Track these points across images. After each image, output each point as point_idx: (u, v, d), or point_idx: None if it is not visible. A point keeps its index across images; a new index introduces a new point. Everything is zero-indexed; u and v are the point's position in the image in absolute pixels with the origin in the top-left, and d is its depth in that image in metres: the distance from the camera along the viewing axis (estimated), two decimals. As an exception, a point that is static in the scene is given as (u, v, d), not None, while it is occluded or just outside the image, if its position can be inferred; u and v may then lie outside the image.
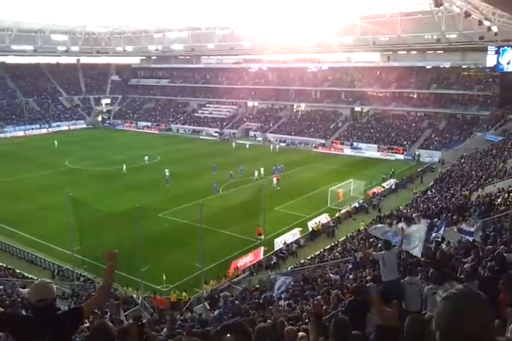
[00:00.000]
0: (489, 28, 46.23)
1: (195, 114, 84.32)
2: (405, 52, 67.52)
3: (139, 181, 43.31)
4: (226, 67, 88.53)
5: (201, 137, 73.96)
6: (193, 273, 23.95)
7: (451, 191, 31.94)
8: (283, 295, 18.54)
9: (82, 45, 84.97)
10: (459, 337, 1.76)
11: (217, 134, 74.32)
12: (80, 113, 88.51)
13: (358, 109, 72.46)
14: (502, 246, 11.50)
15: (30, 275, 23.94)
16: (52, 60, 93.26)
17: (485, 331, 1.77)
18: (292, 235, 30.02)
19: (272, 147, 61.57)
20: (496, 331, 3.61)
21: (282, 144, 66.17)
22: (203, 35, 75.72)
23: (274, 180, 42.67)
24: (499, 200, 21.60)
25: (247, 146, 62.74)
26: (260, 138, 70.04)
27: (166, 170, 44.07)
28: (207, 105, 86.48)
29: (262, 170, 45.50)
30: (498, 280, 6.74)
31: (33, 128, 77.74)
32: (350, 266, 18.88)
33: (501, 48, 52.36)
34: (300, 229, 31.02)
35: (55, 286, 3.75)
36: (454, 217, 22.59)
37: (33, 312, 3.49)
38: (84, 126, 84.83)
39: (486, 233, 15.67)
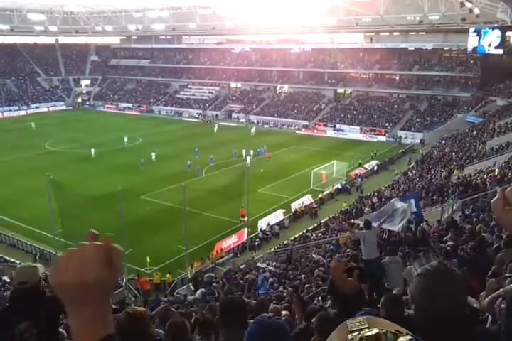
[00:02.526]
0: (471, 10, 46.45)
1: (177, 95, 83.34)
2: (388, 33, 67.44)
3: (121, 163, 42.92)
4: (208, 47, 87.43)
5: (183, 119, 73.31)
6: (177, 255, 24.09)
7: (432, 172, 32.40)
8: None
9: (60, 24, 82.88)
10: (433, 312, 1.80)
11: (199, 116, 73.73)
12: (59, 94, 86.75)
13: (340, 90, 72.43)
14: (479, 226, 11.77)
15: (11, 259, 23.77)
16: (30, 39, 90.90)
17: (458, 306, 1.81)
18: (276, 216, 30.25)
19: (253, 130, 60.11)
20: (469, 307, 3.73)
21: (266, 126, 66.10)
22: (184, 14, 74.41)
23: (248, 159, 42.73)
24: (478, 181, 21.99)
25: (215, 131, 59.93)
26: (243, 120, 69.70)
27: (153, 154, 43.82)
28: (189, 86, 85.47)
29: (249, 152, 45.39)
30: (478, 260, 6.97)
31: (10, 110, 76.08)
32: (331, 247, 19.15)
33: (482, 30, 52.61)
34: (283, 210, 31.25)
35: (41, 270, 3.73)
36: (434, 198, 22.99)
37: (17, 294, 3.50)
38: (64, 107, 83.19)
39: (465, 213, 16.00)
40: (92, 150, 46.01)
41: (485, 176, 22.67)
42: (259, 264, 21.00)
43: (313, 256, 19.14)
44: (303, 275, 14.84)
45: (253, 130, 59.35)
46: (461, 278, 1.90)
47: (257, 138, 55.12)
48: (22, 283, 3.43)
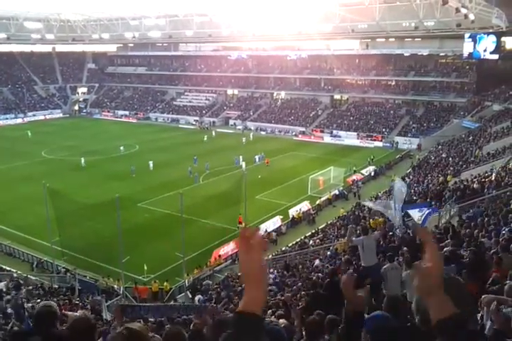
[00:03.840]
0: (466, 16, 46.58)
1: (174, 103, 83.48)
2: (384, 39, 67.72)
3: (118, 171, 42.78)
4: (205, 54, 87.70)
5: (180, 126, 73.35)
6: (174, 263, 23.96)
7: (429, 177, 32.42)
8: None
9: (57, 32, 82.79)
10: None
11: (196, 123, 73.72)
12: (56, 102, 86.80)
13: (337, 96, 72.66)
14: (476, 231, 11.75)
15: (8, 268, 23.58)
16: (27, 48, 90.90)
17: (458, 313, 1.80)
18: (273, 223, 30.16)
19: (244, 139, 58.15)
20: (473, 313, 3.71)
21: (263, 132, 66.19)
22: (180, 22, 74.50)
23: (244, 164, 43.03)
24: (475, 186, 21.99)
25: (205, 139, 58.32)
26: (240, 127, 69.74)
27: (150, 162, 43.64)
28: (186, 93, 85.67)
29: (244, 158, 45.41)
30: (476, 264, 6.96)
31: (7, 118, 76.09)
32: (328, 252, 19.10)
33: (478, 36, 52.92)
34: (281, 216, 31.17)
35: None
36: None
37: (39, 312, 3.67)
38: (61, 115, 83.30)
39: (463, 218, 15.98)
40: (82, 159, 45.45)
41: (482, 180, 22.66)
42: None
43: (316, 262, 19.03)
44: (300, 283, 14.76)
45: (244, 140, 57.50)
46: (464, 285, 1.89)
47: (254, 145, 55.08)
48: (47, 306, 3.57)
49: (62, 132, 65.16)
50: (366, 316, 3.56)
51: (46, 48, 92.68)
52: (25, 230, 28.49)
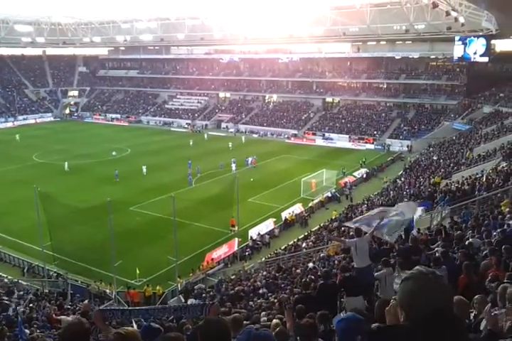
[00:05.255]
0: (456, 19, 47.11)
1: (166, 106, 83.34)
2: (375, 42, 68.15)
3: (110, 175, 42.53)
4: (197, 57, 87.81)
5: (172, 129, 73.20)
6: (167, 267, 23.84)
7: (421, 179, 32.58)
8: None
9: (47, 36, 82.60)
10: (418, 313, 1.85)
11: (188, 126, 73.61)
12: (46, 106, 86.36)
13: (329, 99, 72.96)
14: (469, 232, 11.80)
15: (-2, 273, 23.37)
16: (17, 51, 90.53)
17: (442, 306, 1.86)
18: (266, 226, 30.15)
19: (230, 144, 56.39)
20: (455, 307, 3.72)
21: (255, 135, 66.21)
22: (172, 25, 74.64)
23: (233, 166, 43.29)
24: (466, 187, 22.12)
25: (190, 144, 57.45)
26: (232, 130, 69.71)
27: (144, 167, 43.37)
28: (178, 96, 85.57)
29: (234, 160, 45.35)
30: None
31: (-3, 122, 75.61)
32: (322, 254, 19.12)
33: (468, 39, 53.38)
34: (274, 219, 31.17)
35: None
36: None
37: None
38: (52, 119, 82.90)
39: (454, 220, 16.05)
40: (66, 164, 45.02)
41: (473, 182, 22.80)
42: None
43: (309, 265, 19.04)
44: (294, 286, 14.74)
45: (231, 144, 55.91)
46: (443, 280, 1.97)
47: (246, 148, 55.05)
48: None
49: (53, 136, 64.81)
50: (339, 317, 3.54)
51: (37, 51, 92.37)
52: (17, 234, 28.28)
